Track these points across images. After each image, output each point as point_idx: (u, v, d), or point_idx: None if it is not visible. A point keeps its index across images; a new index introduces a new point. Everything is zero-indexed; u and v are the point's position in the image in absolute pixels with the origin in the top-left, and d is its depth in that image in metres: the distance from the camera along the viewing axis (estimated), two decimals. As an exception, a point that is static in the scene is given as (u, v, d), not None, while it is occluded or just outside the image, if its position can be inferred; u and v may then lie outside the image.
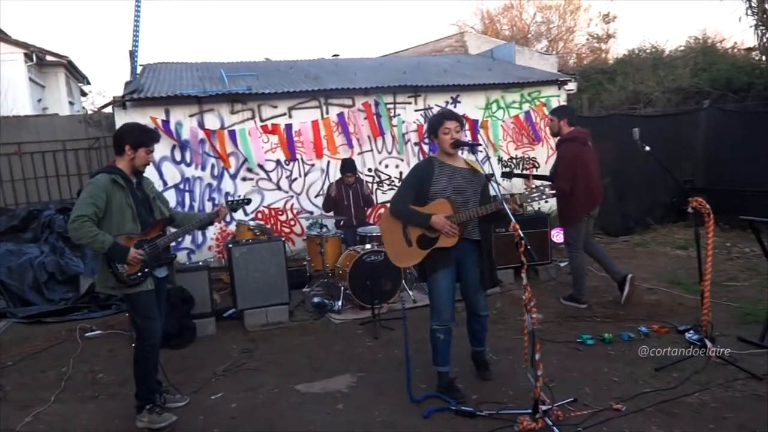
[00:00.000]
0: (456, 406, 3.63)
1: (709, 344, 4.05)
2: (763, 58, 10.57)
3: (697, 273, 4.30)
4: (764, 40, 9.48)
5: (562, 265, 7.23)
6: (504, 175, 5.95)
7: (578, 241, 5.56)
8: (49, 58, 16.43)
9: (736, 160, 8.43)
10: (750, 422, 3.26)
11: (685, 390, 3.68)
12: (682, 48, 16.31)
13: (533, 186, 3.88)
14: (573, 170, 5.33)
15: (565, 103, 9.60)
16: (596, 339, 4.67)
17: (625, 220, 9.34)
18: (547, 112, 9.37)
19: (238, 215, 7.96)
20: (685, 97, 12.07)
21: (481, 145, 3.89)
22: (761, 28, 9.18)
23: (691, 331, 4.53)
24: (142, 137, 3.69)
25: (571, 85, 10.16)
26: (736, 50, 15.25)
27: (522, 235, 3.31)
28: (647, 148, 4.75)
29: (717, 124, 9.14)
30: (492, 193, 3.83)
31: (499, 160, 9.19)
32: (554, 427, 3.24)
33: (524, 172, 3.52)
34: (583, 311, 5.49)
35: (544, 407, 3.32)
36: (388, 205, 3.98)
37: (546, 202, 5.50)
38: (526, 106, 9.34)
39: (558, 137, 5.67)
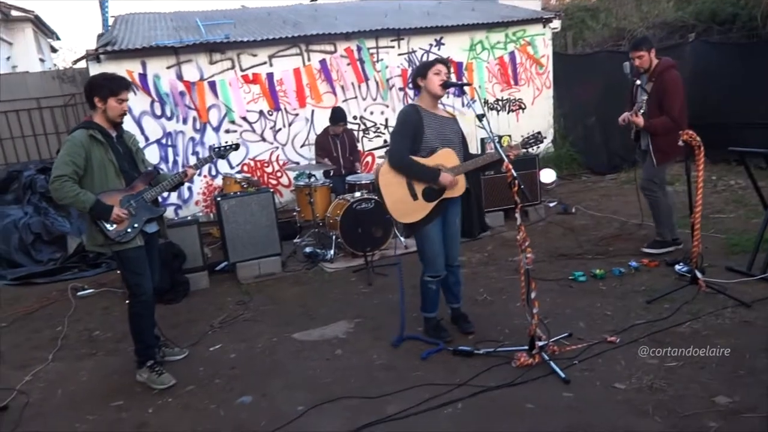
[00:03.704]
0: (443, 347, 3.69)
1: (699, 275, 4.11)
2: (748, -13, 10.40)
3: (686, 207, 4.32)
4: (749, -31, 9.31)
5: (551, 205, 7.29)
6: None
7: (665, 180, 5.11)
8: (14, 13, 15.66)
9: (722, 93, 8.39)
10: (740, 346, 3.34)
11: (677, 320, 3.76)
12: (666, -19, 16.00)
13: (533, 134, 3.79)
14: (684, 99, 4.69)
15: (550, 41, 9.44)
16: (588, 275, 4.74)
17: (612, 158, 9.37)
18: (531, 53, 9.23)
19: (224, 168, 7.88)
20: (670, 32, 11.88)
21: (470, 84, 3.80)
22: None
23: (681, 263, 4.60)
24: (110, 85, 3.49)
25: (556, 23, 9.94)
26: (720, -19, 14.98)
27: (515, 174, 3.28)
28: (638, 81, 4.70)
29: (702, 57, 9.04)
30: (483, 135, 3.77)
31: (485, 102, 9.09)
32: (551, 362, 3.30)
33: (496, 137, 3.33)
34: (575, 249, 5.53)
35: (540, 343, 3.38)
36: (387, 158, 3.77)
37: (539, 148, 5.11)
38: (511, 47, 9.15)
39: (646, 72, 4.86)
